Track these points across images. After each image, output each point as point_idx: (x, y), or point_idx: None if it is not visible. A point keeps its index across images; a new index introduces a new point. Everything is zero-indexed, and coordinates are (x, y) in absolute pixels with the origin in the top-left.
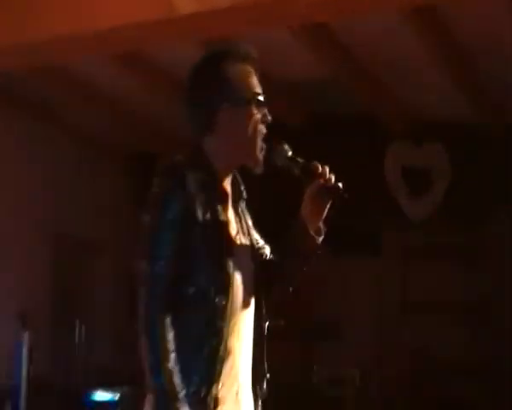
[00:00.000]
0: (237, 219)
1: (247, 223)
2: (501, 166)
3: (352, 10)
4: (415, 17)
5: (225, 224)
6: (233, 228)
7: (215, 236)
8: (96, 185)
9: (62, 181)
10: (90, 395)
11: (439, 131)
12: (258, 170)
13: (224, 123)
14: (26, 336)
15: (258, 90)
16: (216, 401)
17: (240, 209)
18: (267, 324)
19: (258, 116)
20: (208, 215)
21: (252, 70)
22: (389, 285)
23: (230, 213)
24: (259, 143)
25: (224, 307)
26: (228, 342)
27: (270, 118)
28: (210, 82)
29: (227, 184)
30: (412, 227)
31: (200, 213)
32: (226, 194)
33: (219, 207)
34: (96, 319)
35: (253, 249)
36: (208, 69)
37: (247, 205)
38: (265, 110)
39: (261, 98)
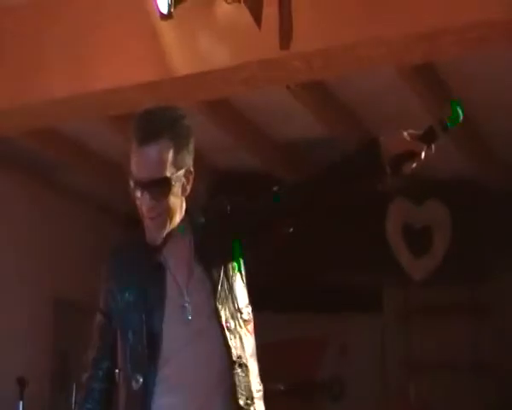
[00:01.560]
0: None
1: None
2: (501, 220)
3: (351, 68)
4: (414, 75)
5: (156, 298)
6: (170, 292)
7: (134, 315)
8: (96, 250)
9: (62, 245)
10: None
11: (438, 188)
12: (151, 243)
13: None
14: (21, 404)
15: (138, 174)
16: None
17: (198, 268)
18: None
19: (140, 200)
20: (129, 296)
21: (142, 153)
22: (391, 342)
23: (169, 279)
24: (147, 222)
25: (145, 387)
26: None
27: (146, 202)
28: None
29: (170, 246)
30: (413, 284)
31: (119, 297)
32: (157, 264)
33: (149, 282)
34: None
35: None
36: None
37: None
38: (140, 195)
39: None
